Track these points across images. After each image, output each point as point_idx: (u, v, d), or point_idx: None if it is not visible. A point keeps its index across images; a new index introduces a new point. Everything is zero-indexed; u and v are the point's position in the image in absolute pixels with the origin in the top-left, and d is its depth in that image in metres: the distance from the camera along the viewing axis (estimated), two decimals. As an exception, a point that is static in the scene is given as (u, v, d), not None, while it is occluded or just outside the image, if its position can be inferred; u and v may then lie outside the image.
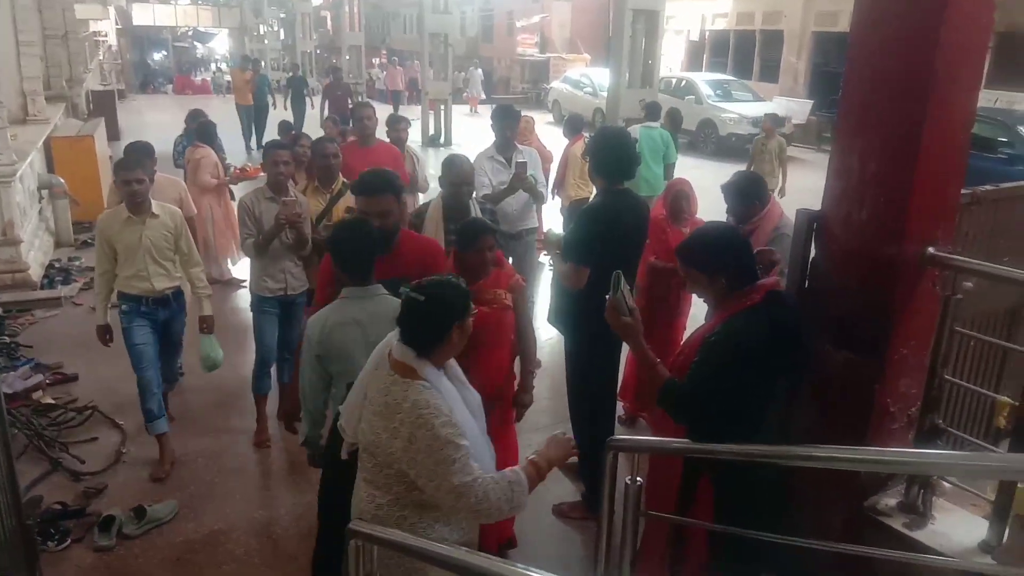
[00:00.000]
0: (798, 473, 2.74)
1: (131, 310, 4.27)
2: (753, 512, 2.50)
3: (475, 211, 4.28)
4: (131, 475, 4.29)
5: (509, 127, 5.32)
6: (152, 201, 4.26)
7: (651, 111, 8.70)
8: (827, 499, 2.98)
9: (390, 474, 2.21)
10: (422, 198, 6.07)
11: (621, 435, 4.38)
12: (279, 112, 16.80)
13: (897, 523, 2.90)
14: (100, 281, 4.31)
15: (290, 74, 20.22)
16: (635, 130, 8.32)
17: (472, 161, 5.36)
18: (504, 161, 5.23)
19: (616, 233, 3.69)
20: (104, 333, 4.35)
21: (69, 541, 3.71)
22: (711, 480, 2.55)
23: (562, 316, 3.98)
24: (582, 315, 3.72)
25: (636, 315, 2.52)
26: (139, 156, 4.57)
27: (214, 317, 4.50)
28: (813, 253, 2.91)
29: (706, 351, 2.46)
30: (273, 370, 4.75)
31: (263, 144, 7.02)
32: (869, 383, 2.84)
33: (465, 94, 26.97)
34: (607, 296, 2.50)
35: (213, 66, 40.83)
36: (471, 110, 25.51)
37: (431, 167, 8.13)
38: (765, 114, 10.55)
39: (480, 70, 28.47)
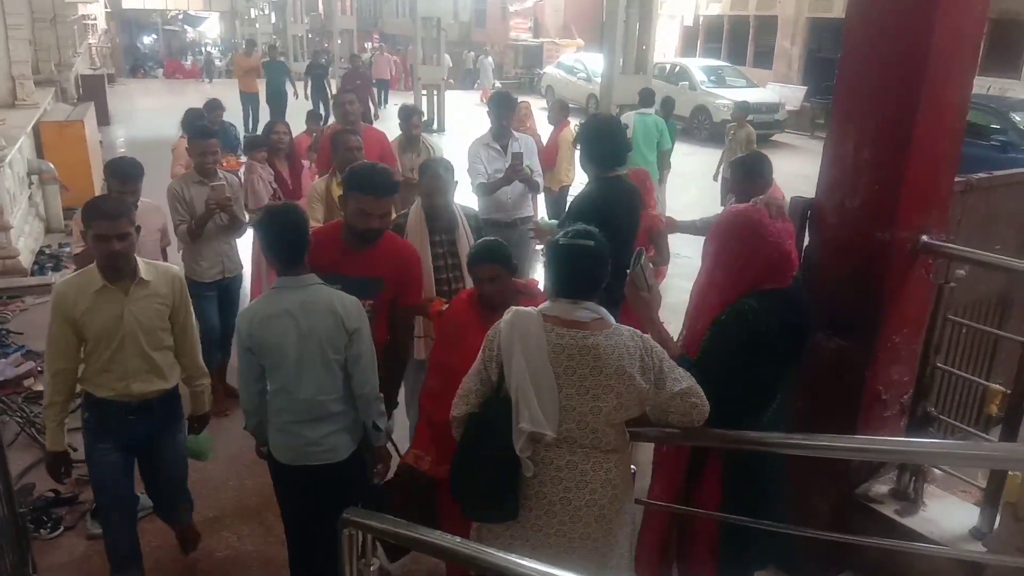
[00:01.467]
0: (788, 460, 2.75)
1: (97, 423, 3.16)
2: (760, 493, 2.51)
3: (461, 219, 3.80)
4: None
5: (505, 115, 5.26)
6: (140, 260, 2.96)
7: (645, 98, 8.68)
8: (816, 486, 3.00)
9: (609, 432, 2.21)
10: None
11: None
12: (301, 102, 15.22)
13: (888, 510, 2.92)
14: (54, 385, 3.04)
15: (309, 61, 18.57)
16: (629, 117, 8.30)
17: (469, 148, 5.34)
18: (500, 149, 5.19)
19: (608, 221, 3.61)
20: (59, 465, 3.18)
21: (62, 529, 3.70)
22: (719, 457, 2.55)
23: None
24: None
25: (655, 290, 2.53)
26: (119, 206, 2.93)
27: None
28: (807, 241, 2.91)
29: (717, 329, 2.45)
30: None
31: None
32: (861, 370, 2.85)
33: (476, 84, 26.05)
34: (627, 271, 2.50)
35: (204, 50, 40.42)
36: (482, 100, 23.42)
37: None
38: (735, 104, 10.46)
39: (491, 58, 27.43)
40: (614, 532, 2.32)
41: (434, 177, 3.68)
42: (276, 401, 2.84)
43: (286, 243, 2.78)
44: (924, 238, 2.74)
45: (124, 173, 3.89)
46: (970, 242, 3.69)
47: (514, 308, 2.30)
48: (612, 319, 2.27)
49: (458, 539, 1.62)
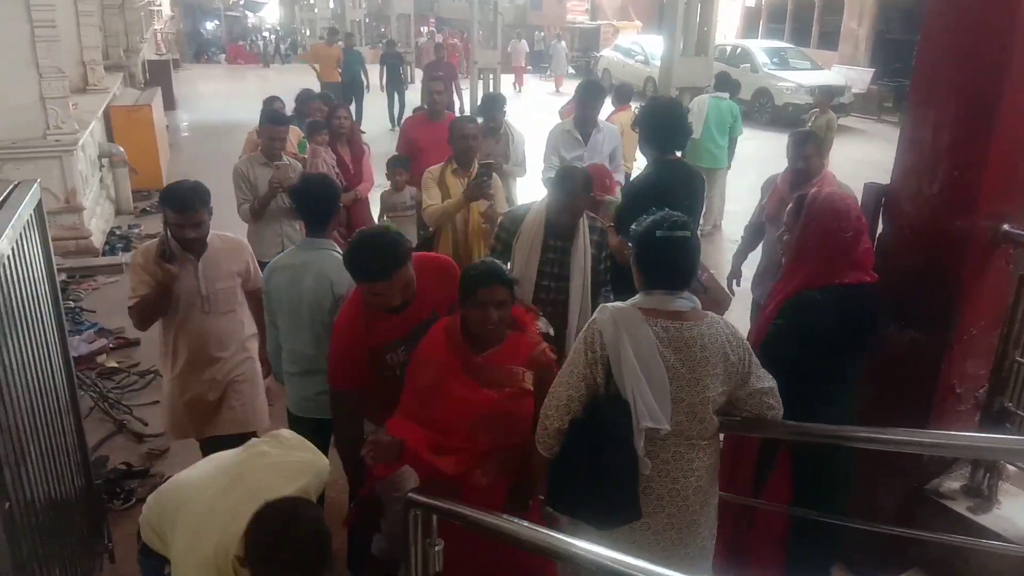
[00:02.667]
0: (856, 453, 2.68)
1: None
2: (829, 487, 2.47)
3: (584, 232, 3.49)
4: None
5: (591, 105, 5.10)
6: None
7: (722, 82, 8.48)
8: (885, 480, 2.92)
9: (713, 420, 2.21)
10: (519, 184, 5.63)
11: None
12: (375, 94, 15.09)
13: (960, 507, 2.83)
14: None
15: (383, 49, 17.27)
16: (704, 100, 8.13)
17: (549, 133, 5.26)
18: (580, 138, 5.06)
19: (668, 204, 3.55)
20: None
21: (134, 500, 3.84)
22: (789, 449, 2.51)
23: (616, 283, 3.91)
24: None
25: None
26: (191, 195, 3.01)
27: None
28: (880, 229, 2.82)
29: (779, 319, 2.42)
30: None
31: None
32: (935, 363, 2.76)
33: (548, 70, 24.81)
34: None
35: (261, 37, 41.07)
36: (556, 90, 22.30)
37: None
38: (818, 89, 10.13)
39: (564, 43, 25.15)
40: (714, 517, 2.32)
41: (570, 195, 3.37)
42: (284, 351, 3.13)
43: (312, 210, 3.14)
44: (1005, 227, 2.63)
45: (181, 202, 3.01)
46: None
47: (608, 306, 2.22)
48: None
49: (525, 523, 1.63)
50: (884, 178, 3.04)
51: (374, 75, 15.87)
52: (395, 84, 15.30)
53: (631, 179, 4.09)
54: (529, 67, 24.93)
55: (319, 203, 3.12)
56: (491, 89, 17.74)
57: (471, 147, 4.35)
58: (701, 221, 6.07)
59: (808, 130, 4.72)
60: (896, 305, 2.72)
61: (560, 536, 1.66)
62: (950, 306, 2.66)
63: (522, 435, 2.41)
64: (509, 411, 2.42)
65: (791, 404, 2.34)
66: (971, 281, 2.66)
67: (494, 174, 4.32)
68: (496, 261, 2.67)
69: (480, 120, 5.20)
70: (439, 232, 4.35)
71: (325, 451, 2.90)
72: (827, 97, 9.13)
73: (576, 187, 3.36)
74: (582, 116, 5.12)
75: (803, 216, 2.47)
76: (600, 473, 2.16)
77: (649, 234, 2.23)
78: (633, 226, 2.32)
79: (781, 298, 2.56)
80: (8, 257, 2.27)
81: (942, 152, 2.61)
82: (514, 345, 2.51)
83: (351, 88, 14.31)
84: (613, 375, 2.16)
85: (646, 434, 2.13)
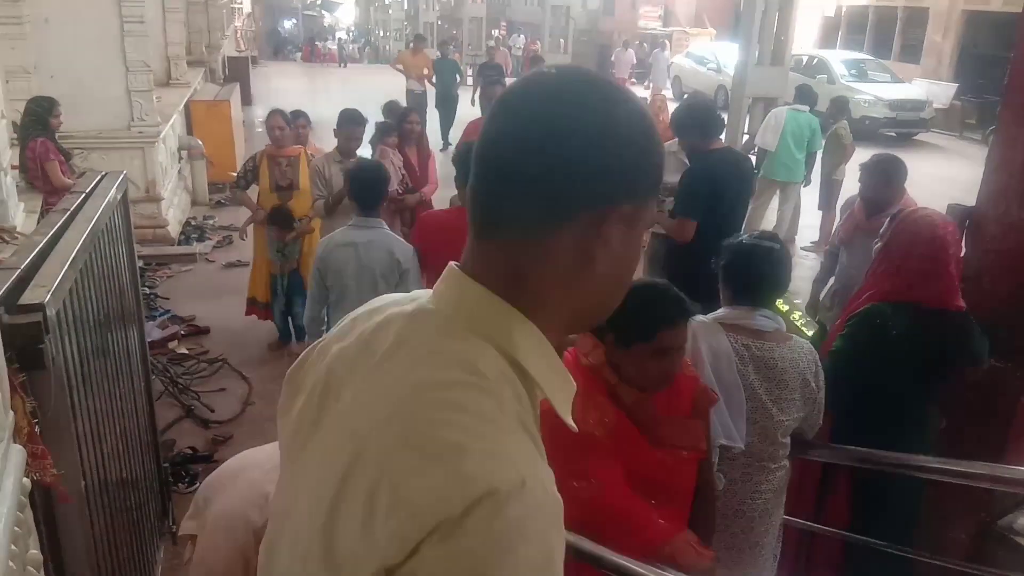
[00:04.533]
0: (925, 484, 2.59)
1: None
2: (891, 516, 2.40)
3: None
4: (255, 427, 4.51)
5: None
6: None
7: (803, 94, 8.24)
8: (955, 513, 2.81)
9: (785, 444, 2.20)
10: None
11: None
12: (467, 106, 12.95)
13: (1036, 545, 2.70)
14: None
15: (480, 61, 15.83)
16: (782, 112, 7.96)
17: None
18: (687, 161, 4.62)
19: (720, 188, 3.90)
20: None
21: (198, 484, 3.95)
22: (851, 476, 2.46)
23: (667, 267, 4.14)
24: (686, 267, 3.70)
25: None
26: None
27: None
28: (963, 251, 2.72)
29: (846, 330, 2.37)
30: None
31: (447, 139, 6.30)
32: (1015, 393, 2.64)
33: (647, 81, 22.32)
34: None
35: (339, 35, 41.99)
36: (658, 105, 20.41)
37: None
38: (830, 100, 9.05)
39: (667, 52, 22.37)
40: (776, 541, 2.27)
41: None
42: (335, 320, 3.12)
43: (364, 193, 3.54)
44: (1098, 255, 2.50)
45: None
46: None
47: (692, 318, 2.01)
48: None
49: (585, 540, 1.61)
50: (964, 196, 2.93)
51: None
52: (491, 98, 13.16)
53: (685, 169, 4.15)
54: (634, 79, 22.67)
55: (372, 186, 3.55)
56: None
57: None
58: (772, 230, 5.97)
59: (884, 155, 4.16)
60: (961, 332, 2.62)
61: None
62: (1035, 335, 2.54)
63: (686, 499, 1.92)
64: (679, 468, 1.88)
65: (856, 422, 2.28)
66: (1059, 310, 2.54)
67: None
68: (669, 284, 1.91)
69: None
70: None
71: None
72: (837, 109, 8.68)
73: None
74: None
75: (891, 230, 2.41)
76: None
77: (736, 244, 2.20)
78: (726, 241, 2.30)
79: (852, 309, 2.51)
80: (96, 244, 2.36)
81: (1034, 175, 2.50)
82: (677, 387, 1.91)
83: (443, 103, 12.78)
84: None
85: (719, 451, 2.09)
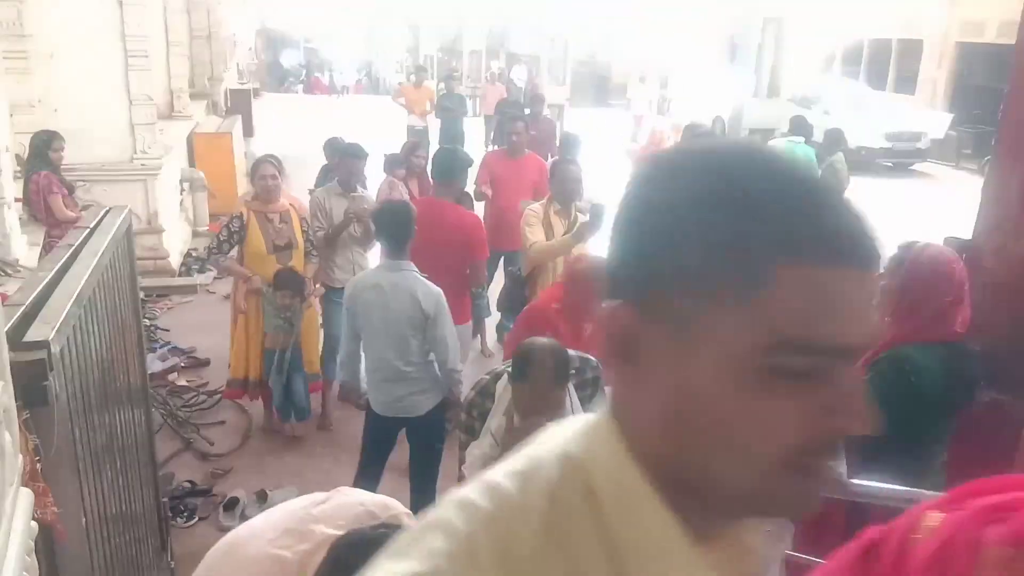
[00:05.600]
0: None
1: None
2: None
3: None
4: (255, 460, 4.50)
5: None
6: None
7: (797, 126, 8.36)
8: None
9: None
10: None
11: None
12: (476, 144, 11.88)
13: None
14: None
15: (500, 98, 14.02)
16: (780, 143, 8.05)
17: None
18: None
19: None
20: None
21: (196, 519, 3.93)
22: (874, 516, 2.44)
23: None
24: None
25: None
26: None
27: None
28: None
29: (871, 377, 2.35)
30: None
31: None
32: (1015, 427, 2.64)
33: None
34: None
35: (330, 70, 42.47)
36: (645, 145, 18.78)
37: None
38: (825, 132, 9.07)
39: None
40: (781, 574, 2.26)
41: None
42: (368, 359, 3.53)
43: (392, 233, 3.51)
44: (1097, 287, 2.52)
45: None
46: None
47: None
48: None
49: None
50: (962, 226, 2.95)
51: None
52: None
53: None
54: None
55: (399, 227, 3.49)
56: (559, 123, 17.93)
57: (574, 189, 4.46)
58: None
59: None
60: (977, 363, 2.62)
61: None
62: (1036, 368, 2.54)
63: None
64: None
65: (872, 463, 2.27)
66: (1059, 342, 2.54)
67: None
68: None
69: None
70: (536, 272, 4.38)
71: (393, 444, 3.70)
72: (833, 140, 8.76)
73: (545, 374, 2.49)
74: None
75: (905, 271, 2.39)
76: None
77: None
78: None
79: (872, 354, 2.49)
80: (100, 279, 2.37)
81: (1030, 207, 2.52)
82: None
83: (451, 140, 11.14)
84: None
85: None
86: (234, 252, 4.61)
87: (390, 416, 3.53)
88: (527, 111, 9.22)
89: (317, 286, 4.79)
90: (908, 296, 2.38)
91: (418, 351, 3.41)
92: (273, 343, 4.53)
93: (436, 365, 3.48)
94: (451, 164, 4.57)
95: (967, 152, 16.57)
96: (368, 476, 3.66)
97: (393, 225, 3.51)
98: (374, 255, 5.15)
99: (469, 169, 4.84)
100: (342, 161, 5.06)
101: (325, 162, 6.25)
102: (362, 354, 3.64)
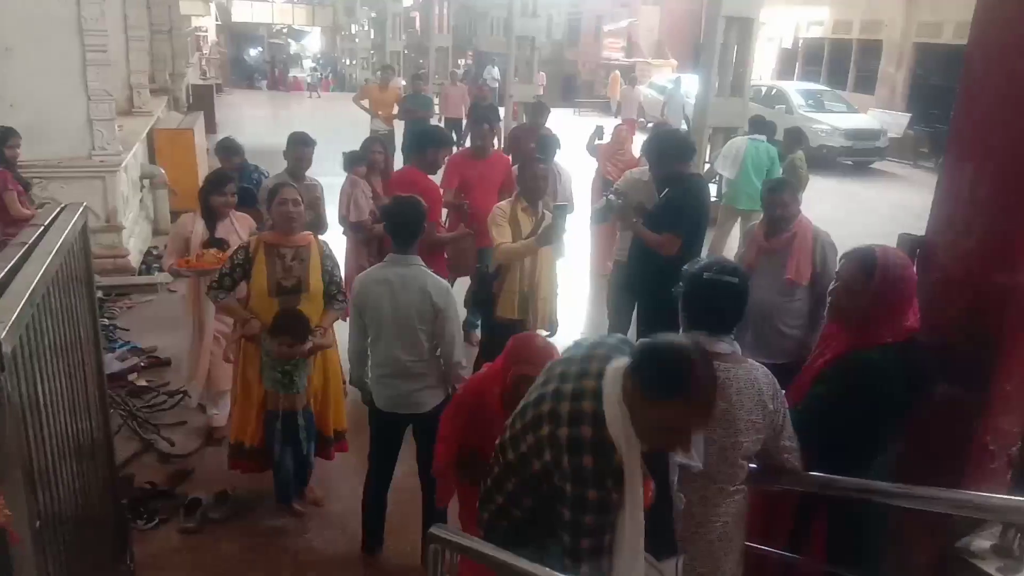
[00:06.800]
0: (889, 508, 2.64)
1: None
2: (863, 547, 2.43)
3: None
4: (217, 460, 4.43)
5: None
6: None
7: (757, 124, 8.46)
8: (915, 537, 2.86)
9: (743, 466, 2.25)
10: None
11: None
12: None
13: (991, 567, 2.73)
14: None
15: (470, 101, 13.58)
16: (741, 142, 8.13)
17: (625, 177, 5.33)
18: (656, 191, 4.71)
19: (705, 207, 4.47)
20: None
21: (157, 520, 3.87)
22: (826, 505, 2.49)
23: (645, 280, 4.44)
24: (668, 276, 3.76)
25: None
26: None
27: None
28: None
29: (835, 382, 2.40)
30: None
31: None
32: (969, 419, 2.70)
33: (617, 113, 20.75)
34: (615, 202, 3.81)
35: (308, 64, 42.12)
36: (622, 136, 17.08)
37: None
38: (785, 131, 9.29)
39: (640, 87, 21.57)
40: (738, 567, 2.28)
41: None
42: (374, 355, 3.46)
43: (402, 227, 3.41)
44: (1044, 281, 2.58)
45: None
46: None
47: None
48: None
49: (547, 569, 1.62)
50: (919, 223, 3.02)
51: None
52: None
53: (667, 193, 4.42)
54: (642, 119, 20.50)
55: (409, 222, 3.42)
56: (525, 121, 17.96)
57: (540, 187, 4.47)
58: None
59: (781, 178, 5.00)
60: (932, 360, 2.69)
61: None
62: (987, 361, 2.61)
63: None
64: None
65: (834, 461, 2.31)
66: (1008, 335, 2.60)
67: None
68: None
69: None
70: (505, 270, 4.39)
71: (400, 442, 3.61)
72: (793, 138, 8.95)
73: None
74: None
75: (879, 280, 2.44)
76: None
77: (697, 276, 2.24)
78: (685, 267, 2.37)
79: (829, 358, 2.54)
80: (54, 278, 2.33)
81: (981, 205, 2.58)
82: None
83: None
84: None
85: (678, 471, 2.12)
86: (242, 288, 3.81)
87: (395, 412, 3.49)
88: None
89: (324, 330, 3.83)
90: (883, 302, 2.43)
91: (427, 346, 3.39)
92: (273, 403, 3.75)
93: (441, 360, 3.46)
94: (422, 140, 5.05)
95: (924, 151, 16.95)
96: (380, 476, 3.65)
97: (403, 220, 3.43)
98: (333, 237, 5.24)
99: (442, 143, 5.22)
100: (290, 149, 5.12)
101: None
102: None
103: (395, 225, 3.46)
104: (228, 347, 3.96)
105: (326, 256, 3.82)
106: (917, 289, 2.68)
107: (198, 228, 4.44)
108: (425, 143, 5.07)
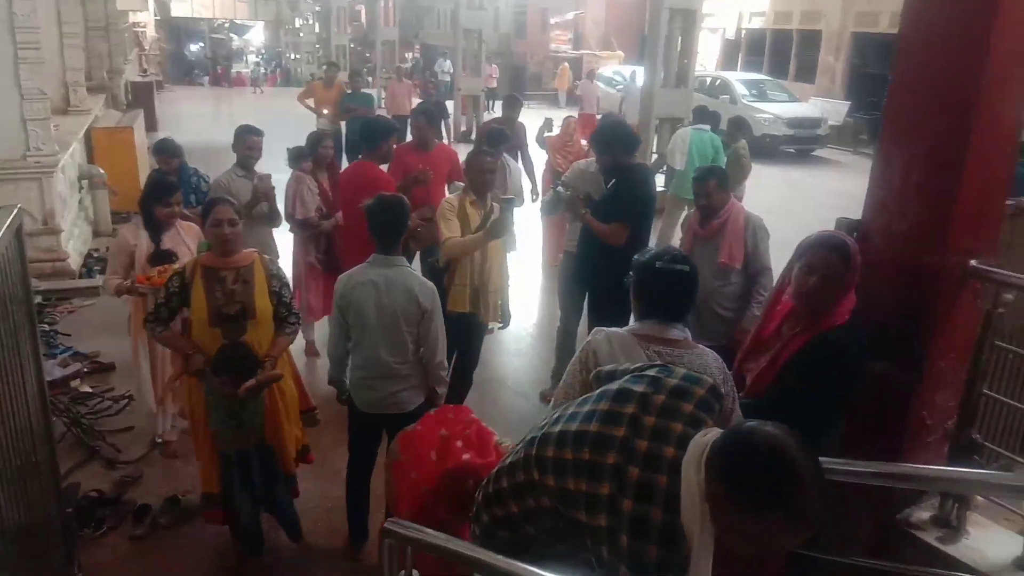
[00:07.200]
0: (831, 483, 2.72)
1: None
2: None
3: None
4: (165, 465, 4.36)
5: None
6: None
7: (701, 115, 8.59)
8: (857, 511, 2.95)
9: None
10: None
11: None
12: None
13: (930, 537, 2.86)
14: None
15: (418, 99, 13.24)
16: (686, 133, 8.24)
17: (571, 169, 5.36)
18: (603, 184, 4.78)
19: (652, 197, 4.60)
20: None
21: (105, 528, 3.79)
22: None
23: (596, 269, 4.51)
24: (618, 265, 3.80)
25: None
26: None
27: None
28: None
29: (815, 365, 2.46)
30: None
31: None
32: (906, 395, 2.80)
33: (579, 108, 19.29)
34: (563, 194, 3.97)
35: (252, 59, 41.33)
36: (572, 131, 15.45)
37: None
38: (729, 121, 9.41)
39: (599, 82, 21.11)
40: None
41: None
42: (357, 357, 3.41)
43: (386, 227, 3.34)
44: (973, 263, 2.69)
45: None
46: (1020, 267, 3.61)
47: (603, 329, 2.32)
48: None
49: (500, 556, 1.63)
50: (859, 208, 3.10)
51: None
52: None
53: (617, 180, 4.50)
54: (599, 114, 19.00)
55: (394, 222, 3.36)
56: (475, 114, 17.96)
57: (488, 180, 4.44)
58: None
59: (708, 166, 5.15)
60: (869, 339, 2.77)
61: (536, 570, 1.66)
62: (921, 340, 2.71)
63: None
64: None
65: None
66: (941, 315, 2.71)
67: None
68: None
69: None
70: (455, 264, 4.35)
71: (380, 440, 3.57)
72: (737, 128, 9.17)
73: None
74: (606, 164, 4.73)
75: (852, 262, 2.51)
76: None
77: (649, 265, 2.28)
78: (636, 256, 2.41)
79: (798, 346, 2.59)
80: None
81: (912, 189, 2.68)
82: None
83: (355, 150, 9.73)
84: None
85: None
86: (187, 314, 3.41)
87: (376, 414, 3.47)
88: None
89: (275, 360, 3.40)
90: (849, 287, 2.52)
91: (412, 347, 3.37)
92: (224, 443, 3.36)
93: (423, 360, 3.45)
94: (374, 132, 5.02)
95: (863, 138, 17.42)
96: (358, 477, 3.64)
97: (388, 220, 3.36)
98: (280, 234, 5.40)
99: (392, 131, 5.20)
100: (238, 140, 5.07)
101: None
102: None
103: (380, 225, 3.37)
104: (166, 386, 3.61)
105: (272, 275, 3.40)
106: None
107: (142, 241, 4.13)
108: (376, 135, 5.02)
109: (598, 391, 1.80)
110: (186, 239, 4.22)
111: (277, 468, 3.53)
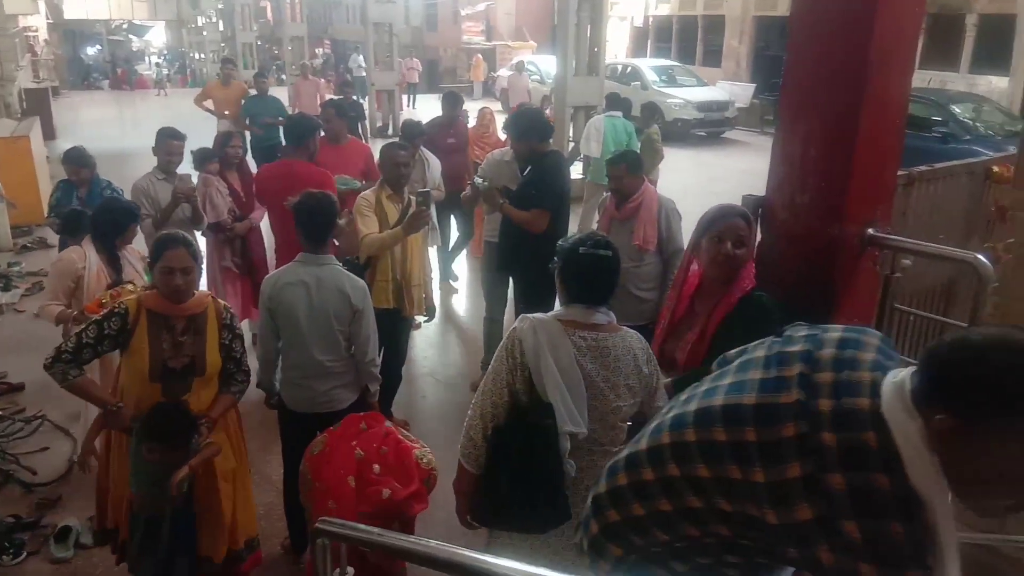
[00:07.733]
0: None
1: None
2: None
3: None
4: (85, 484, 4.18)
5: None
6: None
7: (612, 101, 8.74)
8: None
9: (623, 430, 2.31)
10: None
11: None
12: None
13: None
14: None
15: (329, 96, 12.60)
16: (599, 120, 8.35)
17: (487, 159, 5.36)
18: (519, 172, 4.77)
19: (567, 183, 4.65)
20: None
21: (24, 554, 3.63)
22: None
23: (519, 257, 4.55)
24: (541, 252, 3.82)
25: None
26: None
27: None
28: (759, 237, 2.99)
29: (742, 326, 2.51)
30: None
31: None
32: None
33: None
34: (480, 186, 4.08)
35: (154, 60, 39.80)
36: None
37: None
38: (642, 106, 9.71)
39: (525, 75, 20.49)
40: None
41: None
42: (288, 358, 3.33)
43: (315, 225, 3.24)
44: (870, 231, 2.83)
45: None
46: (916, 233, 3.82)
47: (528, 316, 2.34)
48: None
49: (433, 542, 1.64)
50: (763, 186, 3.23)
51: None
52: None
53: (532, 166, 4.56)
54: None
55: (320, 219, 3.27)
56: (391, 109, 17.79)
57: (403, 174, 4.42)
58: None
59: (620, 151, 5.35)
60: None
61: (474, 554, 1.68)
62: (825, 307, 2.83)
63: None
64: None
65: None
66: (843, 282, 2.84)
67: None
68: None
69: None
70: (375, 260, 4.29)
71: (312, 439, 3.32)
72: (649, 113, 9.47)
73: None
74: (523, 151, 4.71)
75: (753, 226, 2.65)
76: (529, 475, 2.24)
77: (573, 251, 2.33)
78: (560, 242, 2.45)
79: (724, 309, 2.67)
80: None
81: (810, 164, 2.79)
82: None
83: (261, 154, 9.04)
84: (535, 382, 2.27)
85: (568, 439, 2.24)
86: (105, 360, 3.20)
87: (309, 413, 3.39)
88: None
89: (212, 424, 2.93)
90: (752, 247, 2.67)
91: (344, 345, 3.32)
92: (139, 506, 2.84)
93: (356, 359, 3.38)
94: (302, 130, 4.92)
95: (769, 118, 17.98)
96: (294, 483, 3.47)
97: (314, 217, 3.26)
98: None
99: (316, 128, 5.08)
100: (159, 144, 4.92)
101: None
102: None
103: (308, 223, 3.26)
104: (85, 447, 3.17)
105: (225, 325, 2.95)
106: (760, 245, 2.90)
107: (91, 265, 3.74)
108: (305, 133, 4.88)
109: (737, 363, 1.56)
110: (132, 261, 3.90)
111: (192, 540, 2.91)
